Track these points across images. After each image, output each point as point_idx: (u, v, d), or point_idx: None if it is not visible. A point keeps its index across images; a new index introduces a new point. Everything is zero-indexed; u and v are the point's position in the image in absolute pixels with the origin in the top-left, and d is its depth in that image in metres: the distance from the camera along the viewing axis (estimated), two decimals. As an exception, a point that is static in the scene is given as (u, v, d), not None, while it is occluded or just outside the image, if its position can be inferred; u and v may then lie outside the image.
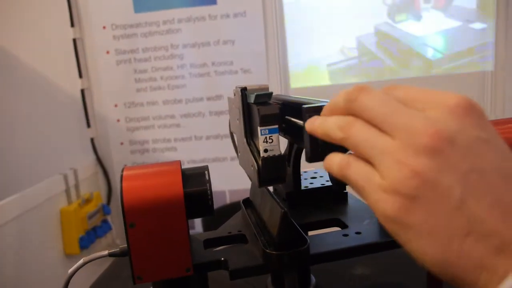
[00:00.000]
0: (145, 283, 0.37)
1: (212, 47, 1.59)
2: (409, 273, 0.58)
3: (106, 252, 0.40)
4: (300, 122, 0.35)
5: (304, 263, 0.36)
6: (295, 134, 0.39)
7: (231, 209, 1.71)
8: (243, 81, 1.60)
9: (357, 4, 1.54)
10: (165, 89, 1.64)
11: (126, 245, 0.40)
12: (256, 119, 0.38)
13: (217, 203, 1.65)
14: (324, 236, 0.40)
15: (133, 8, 1.59)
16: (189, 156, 1.67)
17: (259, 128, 0.36)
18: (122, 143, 1.69)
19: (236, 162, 1.36)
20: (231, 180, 1.66)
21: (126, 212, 0.35)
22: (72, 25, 1.59)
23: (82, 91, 1.64)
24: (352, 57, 1.57)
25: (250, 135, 0.41)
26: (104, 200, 1.69)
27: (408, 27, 1.52)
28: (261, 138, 0.36)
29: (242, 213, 0.48)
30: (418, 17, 1.53)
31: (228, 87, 1.60)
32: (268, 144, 0.36)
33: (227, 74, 1.61)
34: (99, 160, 1.69)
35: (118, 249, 0.40)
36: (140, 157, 1.69)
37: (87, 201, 1.54)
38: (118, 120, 1.67)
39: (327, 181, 0.52)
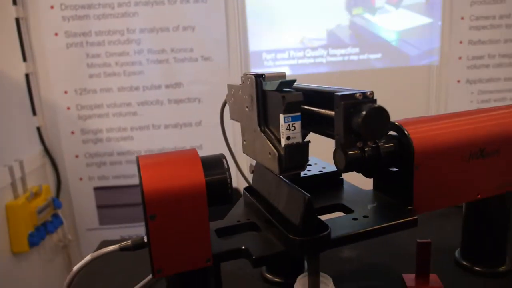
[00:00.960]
0: (165, 276, 0.36)
1: (172, 33, 1.54)
2: (395, 254, 0.62)
3: (117, 246, 0.38)
4: (330, 112, 0.36)
5: (327, 247, 0.37)
6: (313, 122, 0.39)
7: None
8: (203, 68, 1.57)
9: (317, -5, 1.57)
10: (120, 75, 1.56)
11: (138, 238, 0.38)
12: (276, 106, 0.38)
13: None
14: (335, 221, 0.42)
15: (85, -13, 1.49)
16: (146, 146, 1.61)
17: (282, 116, 0.36)
18: (73, 132, 1.59)
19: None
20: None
21: (147, 204, 0.34)
22: (15, 3, 1.45)
23: (27, 76, 1.51)
24: (312, 47, 1.61)
25: (265, 122, 0.41)
26: (53, 193, 1.59)
27: (364, 21, 1.59)
28: (284, 126, 0.36)
29: (247, 201, 0.48)
30: (372, 11, 1.60)
31: (188, 75, 1.58)
32: (291, 131, 0.37)
33: (187, 61, 1.57)
34: (47, 151, 1.58)
35: (129, 243, 0.38)
36: (93, 147, 1.60)
37: (36, 194, 1.43)
38: (69, 108, 1.57)
39: (323, 168, 0.54)
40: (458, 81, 1.64)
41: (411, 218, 0.42)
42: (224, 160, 0.38)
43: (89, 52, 1.54)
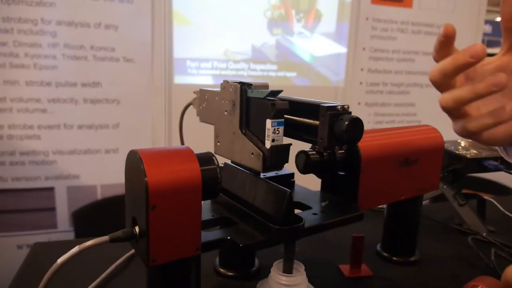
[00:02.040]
0: (158, 264, 0.38)
1: (92, 29, 1.47)
2: (331, 248, 0.71)
3: (107, 237, 0.39)
4: (309, 120, 0.42)
5: (301, 236, 0.43)
6: (291, 129, 0.45)
7: (104, 204, 1.62)
8: (125, 69, 1.53)
9: (243, 11, 1.66)
10: (30, 68, 1.43)
11: (128, 229, 0.40)
12: (261, 111, 0.43)
13: (88, 199, 1.54)
14: (301, 215, 0.48)
15: (-7, -32, 1.35)
16: (55, 146, 1.50)
17: (270, 121, 0.41)
18: (-35, 127, 1.40)
19: (110, 155, 1.39)
20: (103, 174, 1.56)
21: (150, 195, 0.36)
22: None
23: None
24: (235, 60, 1.68)
25: (246, 125, 0.46)
26: None
27: (286, 41, 1.72)
28: (270, 129, 0.41)
29: (216, 199, 0.51)
30: (291, 33, 1.74)
31: (108, 75, 1.52)
32: (275, 134, 0.42)
33: (108, 61, 1.51)
34: None
35: (120, 233, 0.39)
36: (-11, 145, 1.44)
37: None
38: (-38, 99, 1.39)
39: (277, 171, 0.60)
40: (359, 103, 1.87)
41: (359, 213, 0.50)
42: (214, 158, 0.41)
43: (-7, 39, 1.38)
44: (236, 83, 0.45)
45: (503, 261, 0.68)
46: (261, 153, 0.43)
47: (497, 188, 1.59)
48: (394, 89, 1.94)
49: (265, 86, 0.45)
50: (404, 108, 1.99)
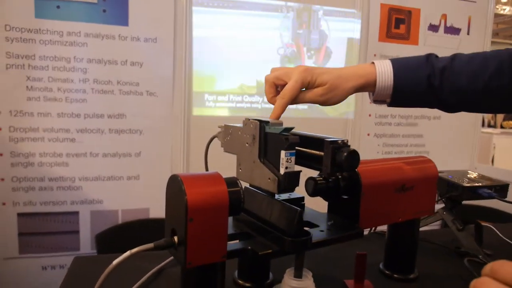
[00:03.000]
0: (194, 266, 0.46)
1: (120, 66, 1.61)
2: (336, 265, 0.78)
3: (151, 245, 0.48)
4: (315, 151, 0.51)
5: (310, 248, 0.51)
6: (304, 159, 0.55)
7: (125, 228, 1.71)
8: (148, 102, 1.66)
9: (258, 48, 1.79)
10: (62, 101, 1.57)
11: (168, 238, 0.49)
12: (276, 144, 0.52)
13: (109, 223, 1.64)
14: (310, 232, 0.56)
15: (34, 12, 1.51)
16: (82, 173, 1.61)
17: (284, 152, 0.51)
18: (1, 154, 1.53)
19: (132, 182, 1.53)
20: (125, 199, 1.66)
21: (189, 210, 0.45)
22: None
23: (-43, 92, 1.44)
24: (250, 94, 1.80)
25: (264, 155, 0.55)
26: (-30, 217, 1.48)
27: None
28: (284, 159, 0.51)
29: (236, 217, 0.60)
30: (302, 69, 1.86)
31: (132, 107, 1.65)
32: (288, 163, 0.51)
33: (132, 95, 1.64)
34: (-32, 172, 1.49)
35: (162, 241, 0.48)
36: (22, 170, 1.55)
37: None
38: (0, 129, 1.52)
39: (290, 194, 0.69)
40: (368, 134, 1.96)
41: (359, 231, 0.58)
42: (238, 182, 0.50)
43: (30, 75, 1.53)
44: (256, 121, 0.55)
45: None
46: (277, 178, 0.52)
47: (498, 216, 1.64)
48: (402, 121, 2.03)
49: (280, 123, 0.54)
50: (412, 139, 2.07)
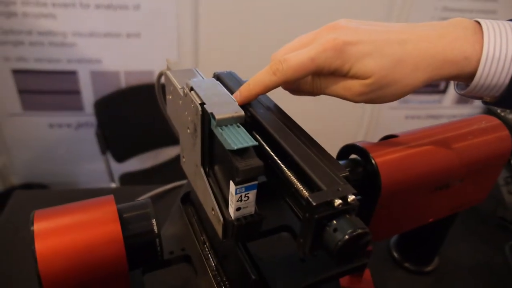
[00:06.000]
0: None
1: None
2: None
3: None
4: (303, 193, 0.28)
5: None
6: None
7: (128, 92, 1.53)
8: None
9: None
10: None
11: None
12: (226, 162, 0.29)
13: (111, 87, 1.48)
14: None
15: None
16: (72, 27, 1.38)
17: (234, 187, 0.27)
18: (-24, 1, 1.29)
19: (133, 40, 1.20)
20: (126, 59, 1.46)
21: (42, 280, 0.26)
22: None
23: None
24: None
25: (209, 164, 0.32)
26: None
27: None
28: (235, 197, 0.28)
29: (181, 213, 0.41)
30: None
31: None
32: (243, 202, 0.29)
33: None
34: None
35: None
36: (6, 22, 1.33)
37: None
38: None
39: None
40: None
41: (363, 263, 0.38)
42: (149, 211, 0.29)
43: None
44: (198, 103, 0.30)
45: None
46: (222, 220, 0.30)
47: None
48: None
49: (238, 118, 0.29)
50: None
